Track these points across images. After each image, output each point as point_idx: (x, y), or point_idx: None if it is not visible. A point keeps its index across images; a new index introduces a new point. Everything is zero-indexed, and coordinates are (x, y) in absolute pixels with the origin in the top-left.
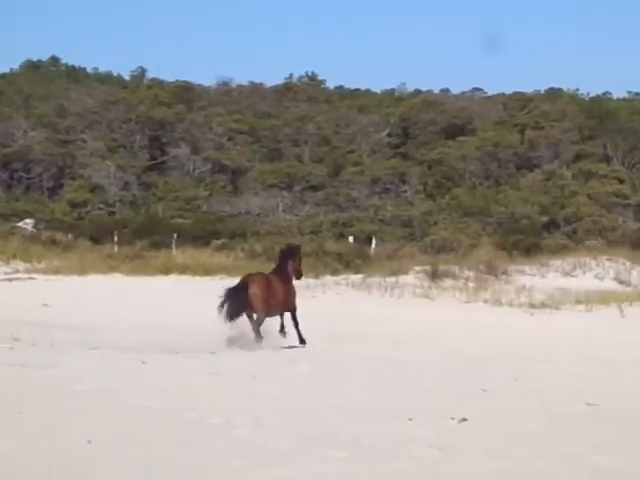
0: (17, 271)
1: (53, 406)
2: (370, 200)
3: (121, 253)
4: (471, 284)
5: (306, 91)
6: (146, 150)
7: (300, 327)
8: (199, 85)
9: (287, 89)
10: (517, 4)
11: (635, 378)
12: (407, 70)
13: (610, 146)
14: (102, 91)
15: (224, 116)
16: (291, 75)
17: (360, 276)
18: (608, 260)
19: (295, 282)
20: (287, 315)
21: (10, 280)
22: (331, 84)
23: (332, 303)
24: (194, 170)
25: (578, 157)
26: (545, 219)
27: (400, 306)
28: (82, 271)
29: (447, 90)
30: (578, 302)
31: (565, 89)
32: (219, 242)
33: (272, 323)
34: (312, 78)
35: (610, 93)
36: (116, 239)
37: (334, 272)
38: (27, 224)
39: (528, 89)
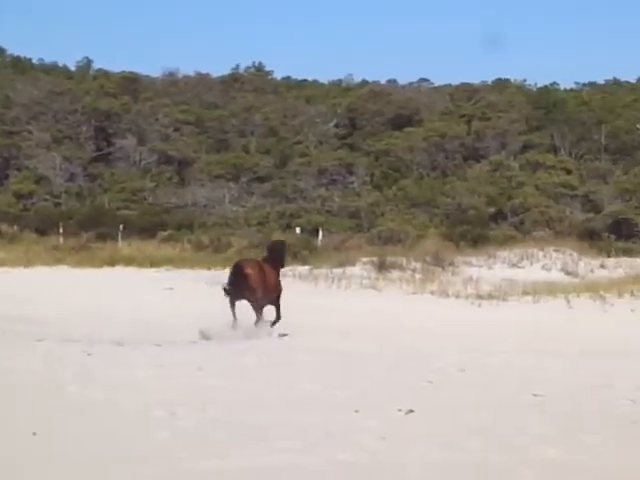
0: None
1: None
2: (317, 191)
3: (67, 245)
4: (418, 275)
5: (253, 82)
6: (92, 141)
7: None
8: (145, 76)
9: (234, 80)
10: None
11: (581, 369)
12: (354, 61)
13: (557, 137)
14: (48, 82)
15: (170, 107)
16: (238, 66)
17: (307, 267)
18: (555, 251)
19: None
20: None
21: None
22: (278, 75)
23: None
24: (140, 161)
25: (525, 148)
26: (492, 210)
27: (347, 297)
28: (28, 263)
29: (394, 81)
30: (525, 293)
31: (512, 80)
32: (165, 233)
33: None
34: (259, 69)
35: (557, 84)
36: (62, 231)
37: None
38: None
39: (475, 80)
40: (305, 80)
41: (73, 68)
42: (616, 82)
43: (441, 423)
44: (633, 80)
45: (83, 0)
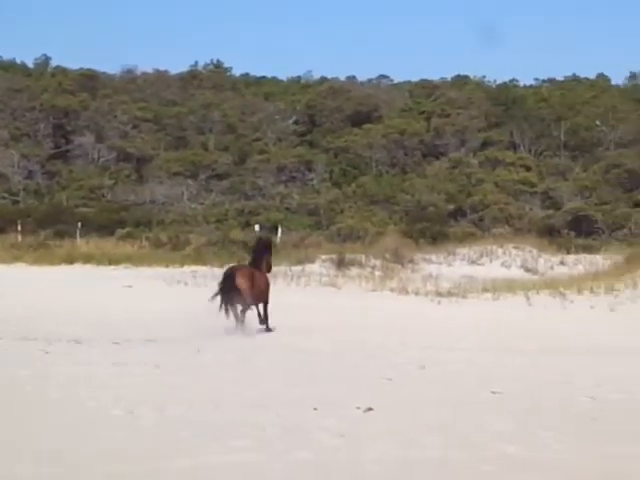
0: None
1: None
2: (276, 188)
3: (25, 242)
4: (377, 273)
5: (211, 79)
6: (50, 138)
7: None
8: (103, 73)
9: (192, 77)
10: None
11: (541, 366)
12: (313, 57)
13: (517, 133)
14: (5, 79)
15: (129, 104)
16: (196, 63)
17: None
18: (515, 248)
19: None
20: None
21: None
22: (237, 72)
23: None
24: (99, 158)
25: (485, 145)
26: (452, 207)
27: (307, 295)
28: None
29: (353, 77)
30: (485, 290)
31: (471, 76)
32: (124, 231)
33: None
34: (217, 65)
35: (517, 80)
36: (20, 228)
37: (240, 261)
38: None
39: (434, 76)
40: (264, 77)
41: (31, 65)
42: (575, 78)
43: (400, 421)
44: (592, 76)
45: None
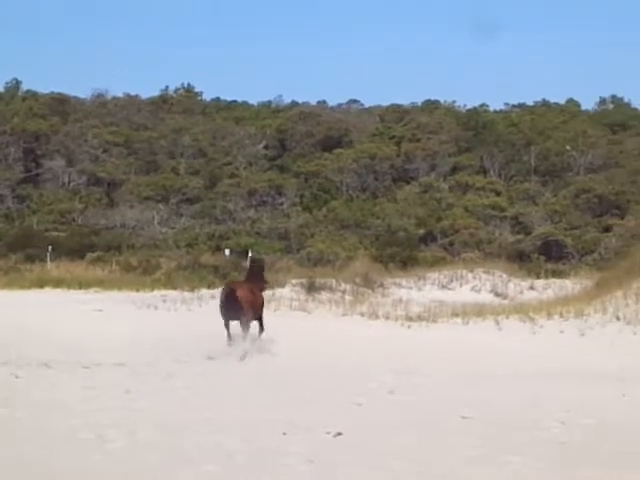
0: None
1: None
2: (246, 213)
3: None
4: (348, 297)
5: (182, 103)
6: (20, 162)
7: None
8: (74, 97)
9: (163, 101)
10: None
11: (511, 391)
12: (283, 82)
13: (487, 158)
14: None
15: (99, 128)
16: (167, 87)
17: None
18: (485, 273)
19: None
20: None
21: None
22: (207, 96)
23: (208, 317)
24: (69, 182)
25: (455, 169)
26: (422, 231)
27: (277, 319)
28: None
29: (324, 102)
30: (455, 315)
31: (442, 101)
32: (94, 255)
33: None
34: (188, 90)
35: (487, 105)
36: None
37: (210, 285)
38: None
39: (405, 101)
40: (234, 101)
41: (1, 89)
42: (545, 103)
43: (370, 446)
44: (562, 102)
45: (11, 21)
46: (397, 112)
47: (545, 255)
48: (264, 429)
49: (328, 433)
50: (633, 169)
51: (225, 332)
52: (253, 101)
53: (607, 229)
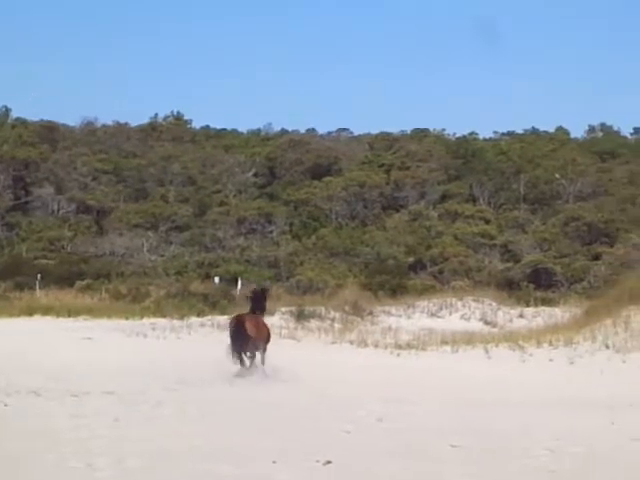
0: None
1: None
2: (236, 240)
3: None
4: (337, 325)
5: (171, 131)
6: (10, 190)
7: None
8: (63, 125)
9: (152, 128)
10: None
11: (500, 419)
12: (273, 110)
13: (476, 186)
14: None
15: (89, 156)
16: (156, 115)
17: (226, 317)
18: (474, 301)
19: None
20: None
21: None
22: (197, 124)
23: (197, 345)
24: (58, 210)
25: (444, 197)
26: (411, 259)
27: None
28: None
29: (313, 130)
30: (444, 343)
31: (431, 129)
32: (83, 283)
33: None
34: (177, 118)
35: (476, 133)
36: None
37: (200, 313)
38: None
39: (394, 129)
40: (224, 129)
41: None
42: (535, 132)
43: (358, 474)
44: (552, 130)
45: (1, 48)
46: (386, 140)
47: (534, 283)
48: (253, 457)
49: (317, 461)
50: (622, 197)
51: (237, 363)
52: (242, 129)
53: (596, 257)
